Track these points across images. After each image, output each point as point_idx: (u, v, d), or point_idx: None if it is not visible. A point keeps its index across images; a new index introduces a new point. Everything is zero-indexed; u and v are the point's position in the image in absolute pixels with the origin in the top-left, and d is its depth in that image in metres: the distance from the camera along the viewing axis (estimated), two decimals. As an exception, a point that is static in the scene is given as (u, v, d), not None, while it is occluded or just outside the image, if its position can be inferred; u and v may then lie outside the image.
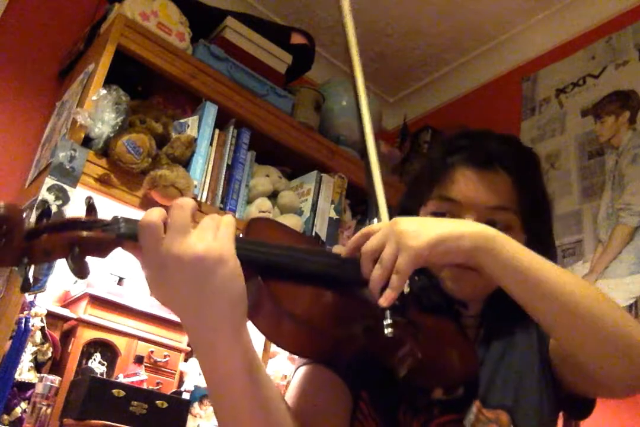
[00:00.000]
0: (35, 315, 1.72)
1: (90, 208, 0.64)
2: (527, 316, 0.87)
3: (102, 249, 0.61)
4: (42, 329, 1.75)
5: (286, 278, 0.67)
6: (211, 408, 1.83)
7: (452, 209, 0.83)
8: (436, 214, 0.84)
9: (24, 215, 0.59)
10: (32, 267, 0.59)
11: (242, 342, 0.62)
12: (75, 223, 0.61)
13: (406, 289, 0.70)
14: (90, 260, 0.60)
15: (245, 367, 0.62)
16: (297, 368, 0.84)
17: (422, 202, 0.87)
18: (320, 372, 0.80)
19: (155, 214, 0.60)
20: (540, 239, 0.86)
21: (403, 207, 0.93)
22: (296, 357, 0.85)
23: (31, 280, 0.60)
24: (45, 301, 1.81)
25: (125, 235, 0.60)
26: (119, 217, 0.62)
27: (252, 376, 0.63)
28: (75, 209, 1.60)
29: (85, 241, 0.59)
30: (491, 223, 0.79)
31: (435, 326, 0.75)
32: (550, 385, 0.84)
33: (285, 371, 2.10)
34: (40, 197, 1.55)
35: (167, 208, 0.62)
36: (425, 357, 0.68)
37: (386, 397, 0.78)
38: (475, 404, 0.78)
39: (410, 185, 0.96)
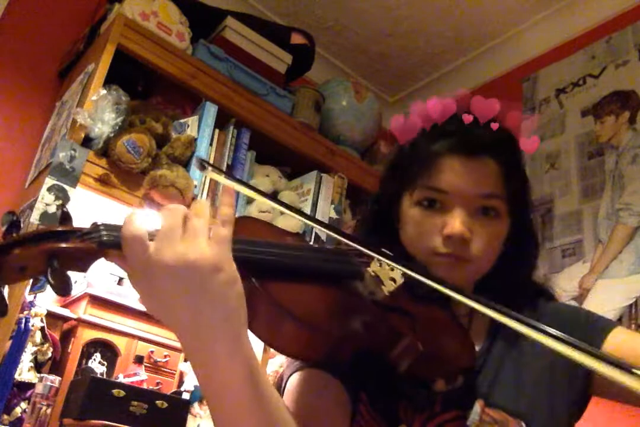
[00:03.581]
0: (35, 315, 1.72)
1: (65, 217, 0.58)
2: (532, 306, 0.86)
3: (83, 261, 0.55)
4: (42, 329, 1.75)
5: (280, 277, 0.63)
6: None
7: (441, 199, 0.79)
8: (426, 201, 0.80)
9: None
10: (7, 287, 0.53)
11: (242, 351, 0.56)
12: (49, 234, 0.54)
13: (400, 280, 0.70)
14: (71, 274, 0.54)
15: (246, 378, 0.56)
16: (290, 375, 0.80)
17: (405, 190, 0.83)
18: (317, 376, 0.76)
19: (136, 220, 0.54)
20: (524, 223, 0.85)
21: (384, 193, 0.88)
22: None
23: (7, 301, 0.53)
24: (45, 301, 1.81)
25: (107, 244, 0.54)
26: (99, 224, 0.56)
27: (254, 387, 0.57)
28: (75, 210, 1.60)
29: (63, 252, 0.53)
30: (484, 210, 0.79)
31: (430, 314, 0.74)
32: (566, 387, 0.81)
33: (285, 371, 2.10)
34: (39, 198, 1.55)
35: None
36: (425, 348, 0.67)
37: (385, 396, 0.76)
38: (478, 403, 0.76)
39: (390, 171, 0.90)
